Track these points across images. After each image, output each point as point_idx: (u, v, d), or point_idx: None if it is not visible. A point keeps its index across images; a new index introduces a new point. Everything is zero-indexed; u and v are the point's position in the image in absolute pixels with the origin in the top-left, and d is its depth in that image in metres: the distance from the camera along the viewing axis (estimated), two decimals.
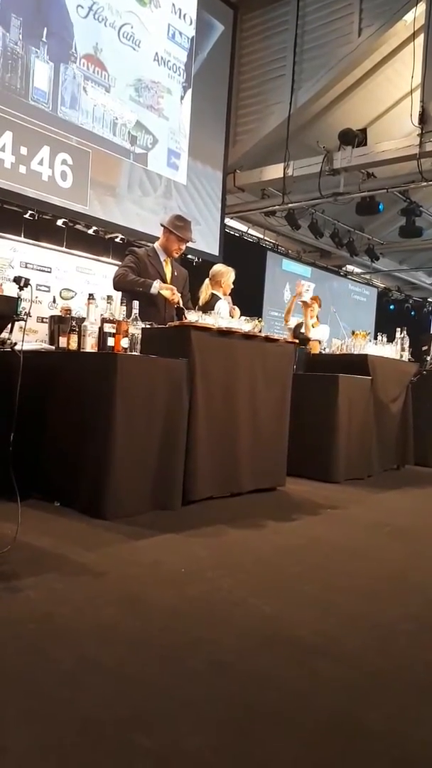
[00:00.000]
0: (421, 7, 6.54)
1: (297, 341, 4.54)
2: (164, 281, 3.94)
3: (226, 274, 4.75)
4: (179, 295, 3.86)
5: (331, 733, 1.28)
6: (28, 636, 1.61)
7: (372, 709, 1.38)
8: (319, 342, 5.48)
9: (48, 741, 1.18)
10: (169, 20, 6.68)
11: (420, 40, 6.63)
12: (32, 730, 1.21)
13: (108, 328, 3.13)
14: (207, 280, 4.79)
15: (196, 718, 1.29)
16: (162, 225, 4.07)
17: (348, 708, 1.38)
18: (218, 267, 4.86)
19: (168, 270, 4.02)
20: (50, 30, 5.55)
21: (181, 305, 3.81)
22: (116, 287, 3.85)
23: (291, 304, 6.00)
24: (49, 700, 1.31)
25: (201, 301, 4.64)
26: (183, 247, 4.09)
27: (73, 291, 6.15)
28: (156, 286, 3.76)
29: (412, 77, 6.69)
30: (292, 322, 5.91)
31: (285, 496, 3.86)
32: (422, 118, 6.59)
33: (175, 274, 4.08)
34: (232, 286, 4.79)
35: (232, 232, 9.20)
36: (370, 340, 5.24)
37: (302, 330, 5.58)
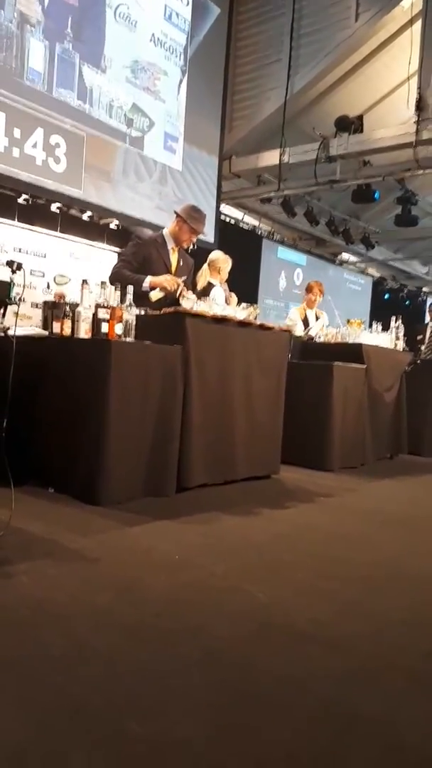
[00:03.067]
0: None
1: (289, 330, 4.51)
2: (169, 270, 3.83)
3: (225, 262, 4.72)
4: (176, 284, 3.73)
5: (324, 720, 1.29)
6: (21, 622, 1.61)
7: (365, 697, 1.38)
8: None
9: (40, 727, 1.17)
10: (166, 0, 6.57)
11: (417, 25, 6.57)
12: (25, 717, 1.20)
13: (102, 313, 3.09)
14: (205, 266, 4.75)
15: (189, 706, 1.29)
16: (176, 212, 3.97)
17: (341, 695, 1.38)
18: (218, 254, 4.83)
19: (174, 259, 3.92)
20: (45, 8, 5.45)
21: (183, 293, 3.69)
22: (111, 282, 3.76)
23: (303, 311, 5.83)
24: (41, 687, 1.31)
25: (198, 287, 4.61)
26: (194, 239, 3.99)
27: (68, 277, 6.09)
28: (146, 285, 3.63)
29: (410, 63, 6.64)
30: (294, 313, 5.86)
31: (279, 484, 3.86)
32: (419, 106, 6.54)
33: (181, 264, 3.96)
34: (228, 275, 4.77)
35: (227, 219, 9.15)
36: (365, 329, 5.23)
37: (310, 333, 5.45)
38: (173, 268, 3.89)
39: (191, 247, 4.14)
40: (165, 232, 3.97)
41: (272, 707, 1.32)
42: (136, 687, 1.34)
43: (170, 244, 3.92)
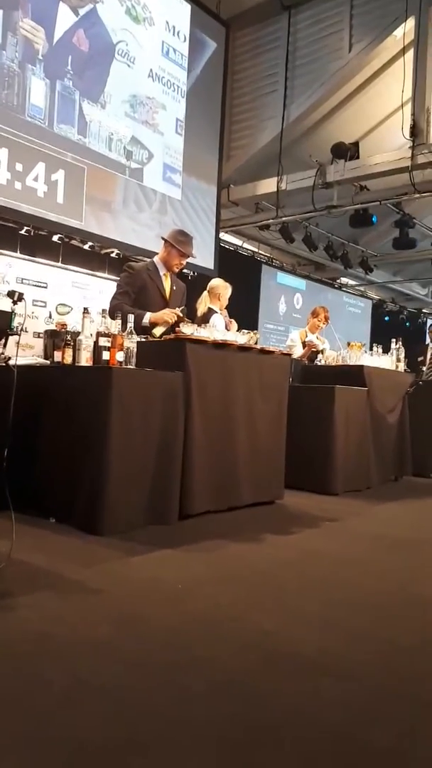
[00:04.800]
0: (411, 22, 6.64)
1: (291, 353, 4.53)
2: (163, 296, 3.89)
3: (225, 289, 4.76)
4: (175, 316, 3.74)
5: (333, 752, 1.25)
6: (22, 656, 1.58)
7: (375, 727, 1.35)
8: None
9: (42, 763, 1.14)
10: (163, 37, 6.76)
11: (410, 54, 6.72)
12: (26, 753, 1.17)
13: (103, 341, 3.11)
14: (205, 293, 4.79)
15: (195, 740, 1.26)
16: (163, 239, 4.04)
17: (351, 726, 1.35)
18: (217, 281, 4.87)
19: (167, 284, 3.97)
20: (46, 47, 5.61)
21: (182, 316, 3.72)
22: (110, 316, 3.78)
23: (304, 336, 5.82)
24: (43, 722, 1.28)
25: (198, 314, 4.65)
26: (184, 262, 4.04)
27: (69, 306, 6.14)
28: (146, 321, 3.66)
29: (403, 91, 6.77)
30: (295, 335, 5.87)
31: (283, 509, 3.83)
32: (413, 132, 6.66)
33: (174, 288, 4.02)
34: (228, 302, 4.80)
35: (226, 246, 9.24)
36: (366, 351, 5.23)
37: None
38: (167, 294, 3.94)
39: (192, 273, 4.18)
40: (156, 259, 4.03)
41: (280, 739, 1.28)
42: (139, 722, 1.31)
43: (162, 271, 3.97)
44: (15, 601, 1.93)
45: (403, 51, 6.79)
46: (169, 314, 3.70)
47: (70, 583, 2.15)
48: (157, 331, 3.64)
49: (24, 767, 1.13)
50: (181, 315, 3.72)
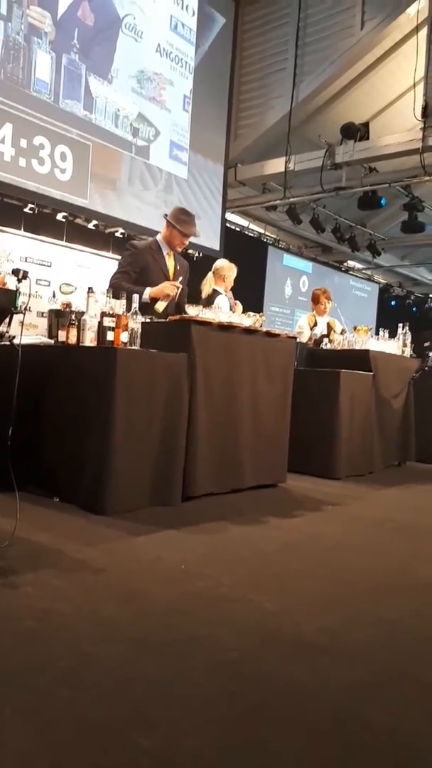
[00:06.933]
0: (425, 0, 6.49)
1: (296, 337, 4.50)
2: (167, 275, 3.83)
3: (230, 270, 4.72)
4: (176, 287, 3.71)
5: (334, 731, 1.26)
6: (26, 633, 1.59)
7: (376, 707, 1.36)
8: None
9: (46, 739, 1.16)
10: (171, 11, 6.63)
11: (423, 33, 6.58)
12: (30, 729, 1.18)
13: (107, 322, 3.09)
14: (210, 274, 4.75)
15: (197, 717, 1.27)
16: (165, 218, 3.98)
17: (352, 706, 1.36)
18: (223, 262, 4.82)
19: (171, 263, 3.91)
20: (57, 21, 5.51)
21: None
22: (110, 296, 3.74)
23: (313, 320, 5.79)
24: (47, 698, 1.29)
25: (203, 295, 4.61)
26: (186, 242, 3.98)
27: (73, 286, 6.11)
28: (145, 297, 3.61)
29: (415, 70, 6.63)
30: (303, 320, 5.83)
31: (286, 493, 3.83)
32: (425, 112, 6.55)
33: (178, 267, 3.96)
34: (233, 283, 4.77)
35: (233, 227, 9.16)
36: (372, 336, 5.20)
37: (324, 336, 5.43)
38: (171, 273, 3.88)
39: (197, 254, 4.14)
40: (159, 237, 3.96)
41: (281, 718, 1.29)
42: (142, 699, 1.32)
43: (165, 250, 3.90)
44: (19, 579, 1.95)
45: (416, 29, 6.64)
46: (169, 286, 3.65)
47: (73, 562, 2.16)
48: (160, 306, 3.59)
49: (28, 743, 1.14)
50: (179, 286, 3.68)
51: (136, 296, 3.30)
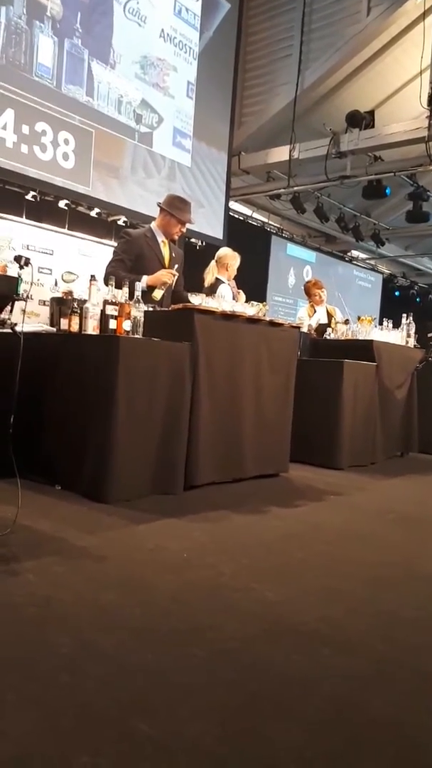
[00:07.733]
0: None
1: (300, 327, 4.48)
2: (162, 264, 3.78)
3: (233, 259, 4.69)
4: (172, 275, 3.68)
5: (334, 721, 1.26)
6: (28, 620, 1.59)
7: (376, 698, 1.36)
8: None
9: (47, 726, 1.16)
10: None
11: (430, 20, 6.49)
12: (31, 715, 1.18)
13: (110, 310, 3.08)
14: (213, 263, 4.72)
15: (197, 705, 1.27)
16: (159, 205, 3.88)
17: (352, 696, 1.36)
18: (226, 251, 4.79)
19: (166, 252, 3.85)
20: (54, 4, 5.44)
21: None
22: (105, 282, 3.72)
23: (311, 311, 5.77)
24: (48, 685, 1.29)
25: (206, 284, 4.59)
26: (183, 230, 3.92)
27: (75, 274, 6.08)
28: (143, 284, 3.53)
29: (422, 58, 6.56)
30: (302, 312, 5.81)
31: (288, 482, 3.83)
32: (431, 101, 6.48)
33: (173, 255, 3.90)
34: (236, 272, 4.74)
35: (236, 216, 9.10)
36: (376, 326, 5.18)
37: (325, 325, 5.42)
38: (166, 262, 3.83)
39: (200, 243, 4.10)
40: (153, 225, 3.87)
41: (282, 708, 1.29)
42: (143, 687, 1.32)
43: (160, 238, 3.83)
44: (20, 566, 1.95)
45: (423, 16, 6.55)
46: (165, 274, 3.62)
47: (75, 550, 2.16)
48: (157, 293, 3.56)
49: (30, 730, 1.14)
50: (176, 274, 3.65)
51: (138, 284, 3.27)
